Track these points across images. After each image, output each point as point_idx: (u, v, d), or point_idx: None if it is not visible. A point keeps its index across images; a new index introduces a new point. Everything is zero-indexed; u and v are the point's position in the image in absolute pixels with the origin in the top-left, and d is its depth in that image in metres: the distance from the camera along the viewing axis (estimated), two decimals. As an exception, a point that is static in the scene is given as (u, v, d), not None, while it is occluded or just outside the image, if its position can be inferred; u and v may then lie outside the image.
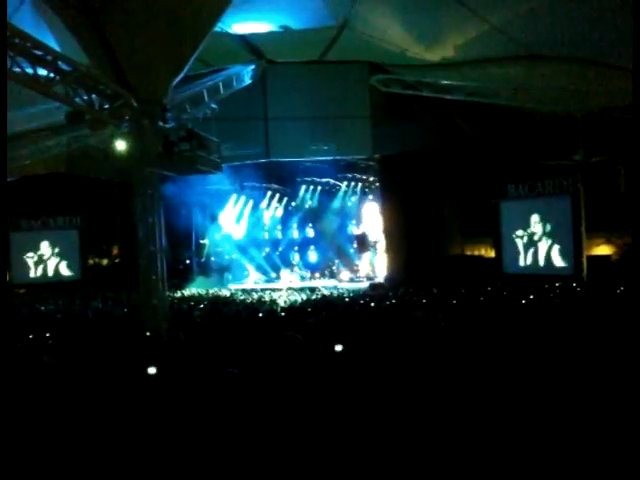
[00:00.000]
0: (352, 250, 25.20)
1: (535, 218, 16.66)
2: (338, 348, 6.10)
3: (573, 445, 3.68)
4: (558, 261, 16.13)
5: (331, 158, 19.19)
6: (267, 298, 17.12)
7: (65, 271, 21.70)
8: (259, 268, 25.17)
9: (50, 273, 21.62)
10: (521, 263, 17.18)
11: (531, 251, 16.85)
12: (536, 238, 16.67)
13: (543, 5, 10.41)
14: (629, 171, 13.85)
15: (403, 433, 4.04)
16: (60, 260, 21.65)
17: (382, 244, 22.12)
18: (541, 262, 16.59)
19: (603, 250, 15.99)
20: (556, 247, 16.18)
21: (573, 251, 15.68)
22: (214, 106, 14.10)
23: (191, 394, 4.97)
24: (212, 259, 25.10)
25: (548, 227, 16.36)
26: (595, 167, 14.93)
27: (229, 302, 15.92)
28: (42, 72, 9.22)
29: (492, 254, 18.46)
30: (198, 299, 17.60)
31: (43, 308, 15.81)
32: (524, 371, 5.11)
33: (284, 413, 4.45)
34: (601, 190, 14.98)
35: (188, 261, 24.14)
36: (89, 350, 7.55)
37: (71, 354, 7.40)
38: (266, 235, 26.16)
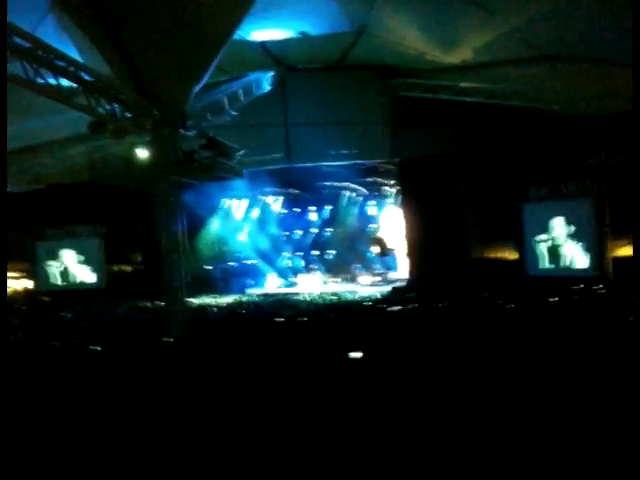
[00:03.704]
0: (372, 254, 25.14)
1: (558, 220, 16.49)
2: (357, 355, 6.08)
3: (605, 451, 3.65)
4: (582, 263, 15.96)
5: (351, 163, 19.22)
6: (287, 303, 17.13)
7: (89, 279, 21.89)
8: (279, 273, 25.21)
9: (74, 281, 21.83)
10: (544, 265, 17.01)
11: (554, 253, 16.68)
12: (559, 240, 16.51)
13: (564, 6, 10.33)
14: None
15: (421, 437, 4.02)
16: (83, 268, 21.86)
17: (402, 248, 22.03)
18: (564, 264, 16.42)
19: (628, 251, 15.77)
20: (579, 249, 16.01)
21: (597, 253, 15.51)
22: (234, 113, 14.18)
23: (210, 399, 5.00)
24: (232, 265, 25.16)
25: (571, 229, 16.19)
26: (618, 168, 14.75)
27: (248, 307, 15.99)
28: (65, 83, 9.37)
29: (514, 257, 18.28)
30: (219, 305, 17.67)
31: (68, 315, 15.97)
32: (550, 375, 5.07)
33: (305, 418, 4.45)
34: (624, 191, 14.79)
35: (209, 267, 24.22)
36: (113, 356, 7.62)
37: (95, 361, 7.48)
38: (286, 240, 26.18)
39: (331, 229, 25.94)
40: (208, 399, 5.10)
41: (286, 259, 25.77)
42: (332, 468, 3.82)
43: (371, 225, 25.55)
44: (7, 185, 16.85)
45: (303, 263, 25.65)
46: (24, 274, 21.81)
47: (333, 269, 25.31)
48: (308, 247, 26.05)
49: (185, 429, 4.48)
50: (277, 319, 11.69)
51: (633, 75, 5.45)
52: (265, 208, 25.39)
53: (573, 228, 16.14)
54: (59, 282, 21.80)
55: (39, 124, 13.52)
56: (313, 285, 23.43)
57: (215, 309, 15.76)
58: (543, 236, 16.92)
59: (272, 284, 24.53)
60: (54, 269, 21.75)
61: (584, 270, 15.85)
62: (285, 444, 4.11)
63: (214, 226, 23.88)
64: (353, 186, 24.65)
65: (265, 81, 15.91)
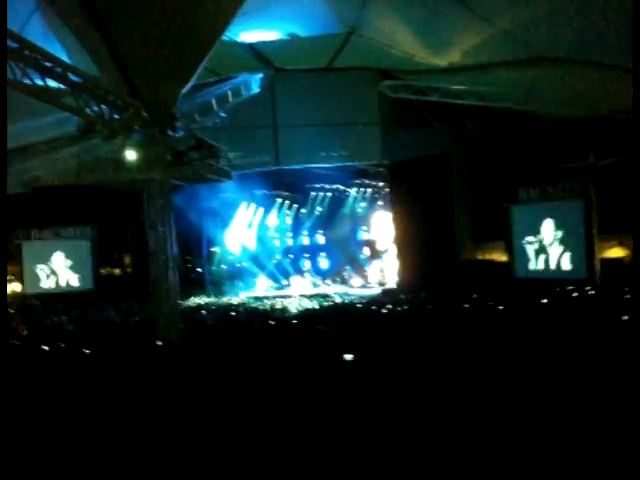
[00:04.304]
0: (363, 256, 25.16)
1: (547, 222, 16.54)
2: (348, 357, 6.04)
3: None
4: (570, 264, 16.01)
5: (340, 165, 19.21)
6: (279, 305, 17.13)
7: (77, 281, 21.76)
8: (270, 275, 25.18)
9: (62, 283, 21.70)
10: (533, 267, 17.06)
11: (543, 255, 16.74)
12: (548, 242, 16.56)
13: (552, 8, 10.36)
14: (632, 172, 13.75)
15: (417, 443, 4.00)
16: (72, 270, 21.73)
17: (393, 250, 22.06)
18: (553, 266, 16.47)
19: (616, 253, 15.85)
20: (568, 250, 16.06)
21: (585, 254, 15.55)
22: (223, 115, 14.15)
23: (202, 403, 4.96)
24: (223, 267, 25.12)
25: (560, 230, 16.24)
26: (606, 170, 14.83)
27: (240, 309, 15.96)
28: (52, 84, 9.29)
29: (504, 259, 18.35)
30: (210, 307, 17.63)
31: (56, 319, 15.86)
32: (541, 377, 5.06)
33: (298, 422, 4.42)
34: (613, 192, 14.88)
35: (199, 269, 24.17)
36: (102, 360, 7.56)
37: (85, 365, 7.42)
38: (277, 242, 26.17)
39: (322, 231, 25.95)
40: (198, 403, 5.07)
41: (277, 261, 25.74)
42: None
43: (362, 227, 25.58)
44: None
45: (294, 266, 25.63)
46: (12, 277, 21.64)
47: (324, 271, 25.31)
48: (299, 249, 26.05)
49: (182, 433, 4.44)
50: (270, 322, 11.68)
51: (633, 75, 5.44)
52: (255, 210, 25.36)
53: (561, 230, 16.20)
54: (48, 285, 21.65)
55: (27, 125, 13.42)
56: (304, 287, 23.41)
57: (204, 312, 15.71)
58: (532, 238, 16.98)
59: (263, 287, 24.50)
60: (42, 272, 21.61)
61: (572, 272, 15.90)
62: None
63: (204, 228, 23.82)
64: (343, 188, 24.67)
65: (254, 83, 15.88)
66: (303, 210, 25.78)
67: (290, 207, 25.83)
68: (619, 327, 7.54)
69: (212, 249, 24.80)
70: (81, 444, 4.32)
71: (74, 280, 21.78)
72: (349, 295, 20.28)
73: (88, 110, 10.04)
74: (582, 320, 8.96)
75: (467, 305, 12.56)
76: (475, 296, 14.17)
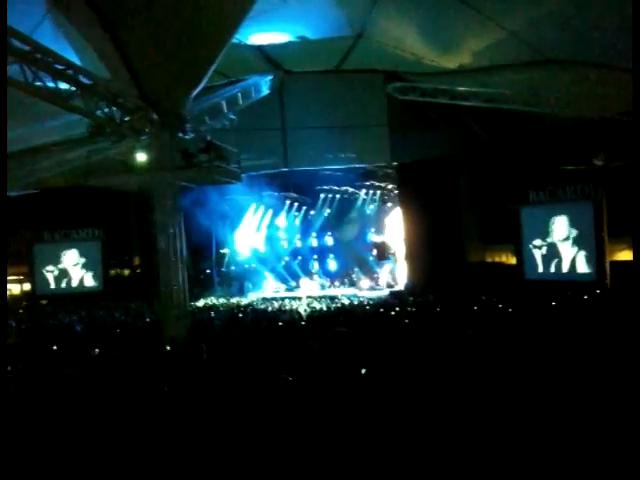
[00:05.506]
0: (371, 258, 25.15)
1: (556, 224, 16.49)
2: (362, 371, 6.03)
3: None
4: (580, 267, 15.95)
5: (349, 166, 19.22)
6: (287, 307, 17.12)
7: (87, 282, 21.89)
8: (279, 277, 25.22)
9: (73, 284, 21.83)
10: (543, 270, 17.00)
11: (553, 257, 16.67)
12: (558, 244, 16.50)
13: (560, 10, 10.33)
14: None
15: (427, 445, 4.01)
16: (82, 271, 21.86)
17: (402, 252, 22.02)
18: (563, 268, 16.41)
19: (626, 255, 15.77)
20: (578, 253, 16.00)
21: (595, 257, 15.49)
22: (233, 117, 14.18)
23: (209, 405, 4.97)
24: (232, 268, 25.19)
25: (570, 233, 16.18)
26: (616, 172, 14.75)
27: (249, 310, 15.96)
28: (63, 86, 9.36)
29: (513, 261, 18.29)
30: (218, 308, 17.64)
31: (67, 319, 15.92)
32: (551, 380, 5.05)
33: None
34: (623, 195, 14.80)
35: (208, 271, 24.23)
36: (111, 361, 7.60)
37: (93, 365, 7.46)
38: (285, 244, 26.20)
39: (330, 233, 25.95)
40: (205, 404, 5.08)
41: (285, 263, 25.78)
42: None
43: (370, 229, 25.57)
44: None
45: (302, 267, 25.65)
46: (22, 278, 21.81)
47: (333, 273, 25.31)
48: (307, 251, 26.07)
49: (186, 434, 4.46)
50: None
51: (633, 76, 5.44)
52: (264, 212, 25.42)
53: (571, 232, 16.14)
54: (57, 285, 21.78)
55: (37, 127, 13.50)
56: (312, 289, 23.41)
57: (212, 313, 15.73)
58: (540, 240, 16.91)
59: (271, 288, 24.53)
60: (52, 273, 21.73)
61: (582, 274, 15.84)
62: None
63: (213, 229, 23.88)
64: (352, 190, 24.68)
65: (264, 85, 15.92)
66: (312, 212, 25.81)
67: (299, 209, 25.87)
68: (627, 328, 7.51)
69: (221, 250, 24.86)
70: (88, 444, 4.35)
71: (84, 281, 21.91)
72: (357, 297, 20.26)
73: (98, 112, 10.11)
74: (592, 322, 8.93)
75: (476, 307, 12.53)
76: (483, 298, 14.12)
